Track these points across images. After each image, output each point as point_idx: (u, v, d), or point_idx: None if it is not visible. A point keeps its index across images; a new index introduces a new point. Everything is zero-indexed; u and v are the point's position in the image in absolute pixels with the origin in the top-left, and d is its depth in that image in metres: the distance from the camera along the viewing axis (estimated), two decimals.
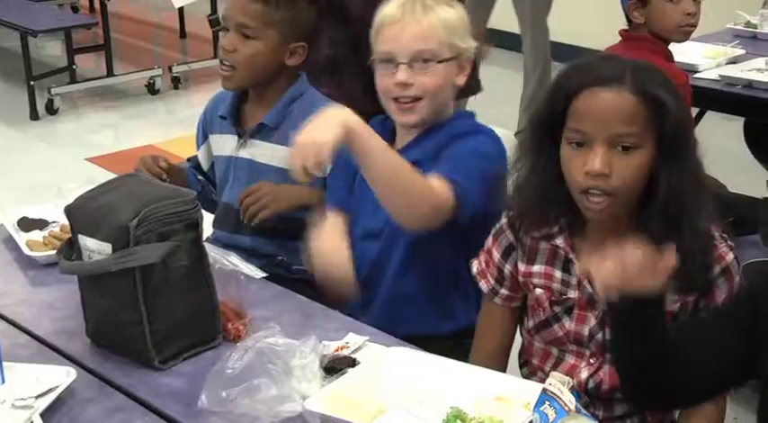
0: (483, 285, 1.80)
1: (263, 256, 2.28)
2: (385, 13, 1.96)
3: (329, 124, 1.70)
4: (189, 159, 2.47)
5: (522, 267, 1.74)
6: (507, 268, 1.76)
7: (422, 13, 1.92)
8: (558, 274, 1.71)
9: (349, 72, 2.46)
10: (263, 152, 2.27)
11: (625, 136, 1.55)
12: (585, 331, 1.70)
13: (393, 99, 1.95)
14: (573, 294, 1.70)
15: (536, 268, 1.72)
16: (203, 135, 2.41)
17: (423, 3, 1.93)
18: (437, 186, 1.82)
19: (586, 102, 1.57)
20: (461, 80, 1.99)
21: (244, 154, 2.29)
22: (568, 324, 1.71)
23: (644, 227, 1.61)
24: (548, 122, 1.62)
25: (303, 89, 2.30)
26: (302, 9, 2.27)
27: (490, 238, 1.79)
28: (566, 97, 1.59)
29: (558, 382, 1.40)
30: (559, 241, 1.68)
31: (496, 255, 1.77)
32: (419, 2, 1.93)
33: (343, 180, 2.08)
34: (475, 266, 1.81)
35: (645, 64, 1.64)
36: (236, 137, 2.30)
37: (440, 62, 1.92)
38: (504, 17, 4.70)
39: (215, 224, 2.37)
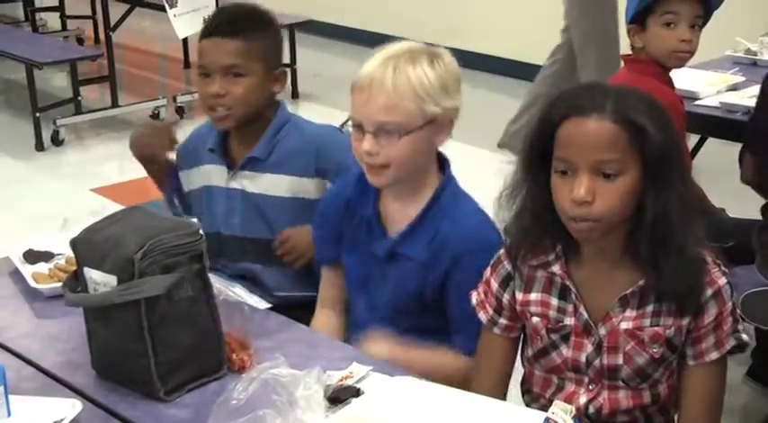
0: (482, 316, 1.80)
1: (268, 286, 2.30)
2: (361, 74, 1.90)
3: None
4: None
5: (519, 296, 1.75)
6: (506, 298, 1.77)
7: (392, 80, 1.84)
8: (554, 301, 1.72)
9: None
10: (256, 183, 2.29)
11: (606, 162, 1.58)
12: (583, 358, 1.71)
13: (365, 163, 1.93)
14: (569, 321, 1.71)
15: (533, 296, 1.73)
16: (186, 165, 2.42)
17: (397, 65, 1.86)
18: (459, 363, 1.90)
19: (569, 131, 1.60)
20: (441, 140, 1.94)
21: (235, 185, 2.31)
22: (566, 351, 1.72)
23: (634, 251, 1.62)
24: (537, 151, 1.65)
25: (287, 117, 2.31)
26: (275, 34, 2.29)
27: (488, 269, 1.80)
28: (551, 127, 1.62)
29: (560, 411, 1.41)
30: (556, 268, 1.70)
31: (494, 285, 1.78)
32: (392, 64, 1.86)
33: (330, 233, 2.10)
34: (474, 298, 1.82)
35: (631, 91, 1.66)
36: (225, 168, 2.31)
37: (408, 134, 1.86)
38: (495, 43, 4.72)
39: (210, 255, 2.38)
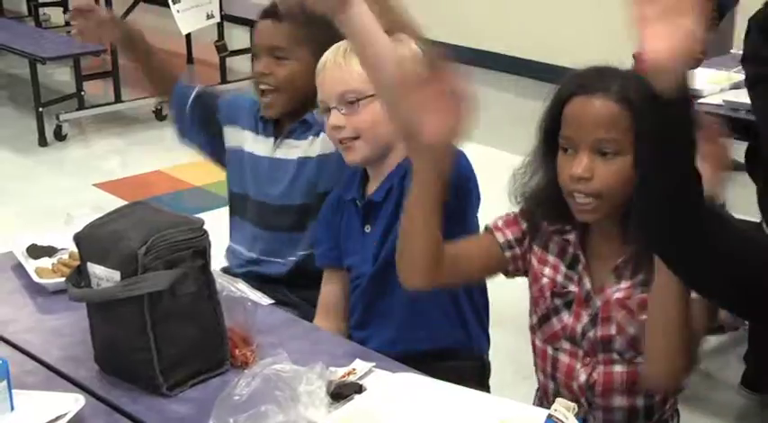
0: (499, 236, 1.81)
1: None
2: (318, 63, 2.03)
3: None
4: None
5: (537, 251, 1.79)
6: (527, 241, 1.80)
7: (342, 57, 1.97)
8: (563, 267, 1.76)
9: None
10: (305, 149, 2.29)
11: (606, 141, 1.63)
12: (579, 328, 1.74)
13: (337, 141, 2.01)
14: (574, 288, 1.74)
15: (550, 258, 1.78)
16: (226, 121, 2.44)
17: (347, 46, 1.96)
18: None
19: (573, 109, 1.65)
20: None
21: (280, 155, 2.33)
22: (566, 318, 1.76)
23: (624, 227, 1.66)
24: (548, 129, 1.70)
25: None
26: (327, 24, 2.31)
27: (511, 218, 1.81)
28: (560, 105, 1.67)
29: (563, 409, 1.41)
30: (571, 237, 1.74)
31: (524, 225, 1.80)
32: (342, 47, 1.98)
33: (331, 238, 2.13)
34: (493, 221, 1.83)
35: (639, 77, 1.67)
36: (271, 138, 2.34)
37: (367, 98, 1.95)
38: (502, 40, 4.70)
39: (236, 214, 2.42)
